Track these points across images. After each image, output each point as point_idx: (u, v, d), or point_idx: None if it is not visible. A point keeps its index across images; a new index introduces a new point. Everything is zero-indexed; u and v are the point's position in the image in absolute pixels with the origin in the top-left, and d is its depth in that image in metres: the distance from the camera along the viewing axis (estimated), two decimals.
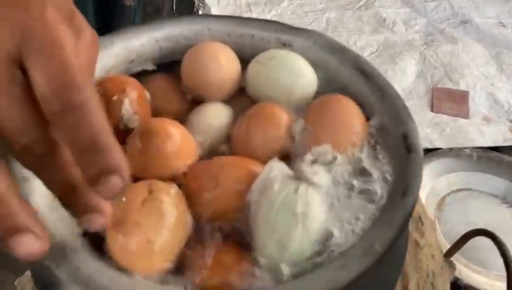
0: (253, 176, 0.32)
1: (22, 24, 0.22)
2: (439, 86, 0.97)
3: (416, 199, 0.31)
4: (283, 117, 0.37)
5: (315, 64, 0.40)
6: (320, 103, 0.38)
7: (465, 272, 0.66)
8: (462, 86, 0.96)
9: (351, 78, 0.40)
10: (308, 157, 0.34)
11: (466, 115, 0.91)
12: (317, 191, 0.32)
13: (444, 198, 0.80)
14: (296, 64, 0.39)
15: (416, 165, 0.33)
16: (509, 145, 0.85)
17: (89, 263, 0.28)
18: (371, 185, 0.34)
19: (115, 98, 0.36)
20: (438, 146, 0.84)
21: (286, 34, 0.42)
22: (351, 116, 0.37)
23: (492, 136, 0.86)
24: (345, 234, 0.31)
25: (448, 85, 0.97)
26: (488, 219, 0.76)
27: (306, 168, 0.33)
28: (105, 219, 0.24)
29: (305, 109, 0.38)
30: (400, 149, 0.34)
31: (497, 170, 0.81)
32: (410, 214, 0.30)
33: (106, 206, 0.24)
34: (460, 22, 1.10)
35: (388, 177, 0.33)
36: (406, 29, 1.11)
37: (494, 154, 0.83)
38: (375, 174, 0.34)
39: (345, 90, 0.39)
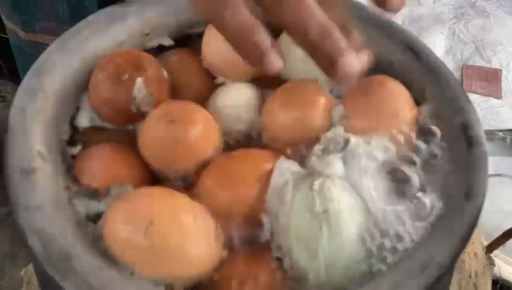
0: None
1: None
2: (470, 63, 0.91)
3: (482, 202, 0.26)
4: (320, 99, 0.32)
5: None
6: (362, 85, 0.33)
7: (505, 269, 0.61)
8: (495, 64, 0.90)
9: (397, 56, 0.34)
10: (318, 147, 0.29)
11: (498, 95, 0.86)
12: (339, 184, 0.28)
13: None
14: None
15: (480, 161, 0.28)
16: None
17: (98, 274, 0.24)
18: (423, 183, 0.29)
19: (125, 76, 0.31)
20: None
21: None
22: (398, 102, 0.32)
23: None
24: (396, 239, 0.27)
25: (480, 63, 0.90)
26: None
27: (316, 160, 0.29)
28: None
29: (345, 91, 0.33)
30: (458, 142, 0.29)
31: None
32: (475, 221, 0.26)
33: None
34: None
35: (445, 176, 0.28)
36: (434, 2, 1.04)
37: None
38: (429, 170, 0.29)
39: (390, 70, 0.34)
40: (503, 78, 0.88)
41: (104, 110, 0.32)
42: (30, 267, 0.44)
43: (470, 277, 0.42)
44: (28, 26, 0.55)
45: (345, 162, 0.29)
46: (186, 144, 0.30)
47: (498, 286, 0.58)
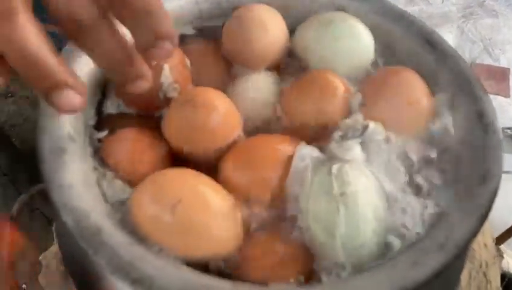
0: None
1: None
2: (478, 62, 0.91)
3: (497, 186, 0.27)
4: (339, 87, 0.33)
5: (372, 31, 0.36)
6: (381, 76, 0.34)
7: None
8: (503, 63, 0.91)
9: (413, 48, 0.35)
10: (337, 133, 0.30)
11: (506, 93, 0.86)
12: (357, 168, 0.29)
13: None
14: (356, 29, 0.35)
15: (495, 148, 0.29)
16: None
17: (129, 248, 0.25)
18: (440, 169, 0.30)
19: (153, 63, 0.32)
20: None
21: None
22: (415, 91, 0.33)
23: None
24: (412, 222, 0.28)
25: (488, 61, 0.91)
26: None
27: (335, 146, 0.30)
28: (150, 83, 0.26)
29: (362, 80, 0.34)
30: (474, 129, 0.30)
31: None
32: (491, 204, 0.27)
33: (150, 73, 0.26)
34: None
35: (461, 161, 0.29)
36: (442, 1, 1.05)
37: None
38: (445, 157, 0.30)
39: (406, 61, 0.35)
40: (511, 77, 0.89)
41: (131, 97, 0.33)
42: (48, 252, 0.45)
43: (480, 266, 0.43)
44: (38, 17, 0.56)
45: (363, 147, 0.30)
46: (208, 128, 0.31)
47: (506, 279, 0.59)
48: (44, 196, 0.30)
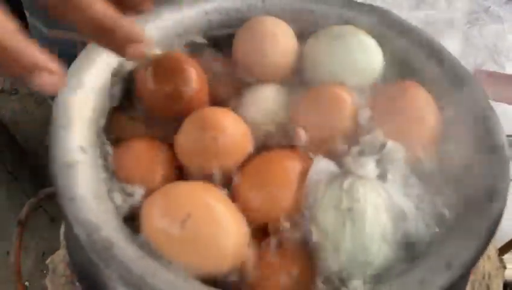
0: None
1: None
2: (483, 68, 0.92)
3: (504, 204, 0.28)
4: (348, 100, 0.33)
5: (380, 44, 0.36)
6: (389, 90, 0.34)
7: None
8: (508, 70, 0.91)
9: (421, 62, 0.36)
10: (355, 149, 0.31)
11: (511, 101, 0.86)
12: (369, 185, 0.29)
13: None
14: (365, 43, 0.35)
15: (502, 165, 0.29)
16: None
17: (140, 263, 0.25)
18: (445, 185, 0.30)
19: (175, 73, 0.33)
20: None
21: (350, 9, 0.38)
22: (424, 110, 0.33)
23: None
24: (418, 237, 0.28)
25: (493, 68, 0.91)
26: None
27: (351, 161, 0.30)
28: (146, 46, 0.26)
29: (371, 95, 0.34)
30: (482, 148, 0.30)
31: None
32: (497, 223, 0.27)
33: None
34: (507, 0, 1.04)
35: (469, 179, 0.29)
36: (448, 7, 1.05)
37: None
38: (453, 175, 0.30)
39: (413, 75, 0.35)
40: None
41: (152, 102, 0.33)
42: (55, 255, 0.45)
43: (484, 278, 0.43)
44: (51, 22, 0.56)
45: (379, 164, 0.30)
46: (217, 149, 0.31)
47: (508, 289, 0.60)
48: (52, 198, 0.31)
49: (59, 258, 0.44)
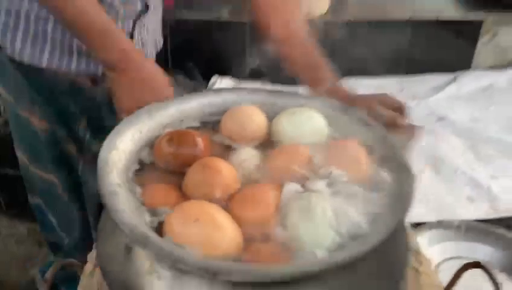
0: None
1: None
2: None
3: (409, 204, 0.41)
4: (304, 153, 0.48)
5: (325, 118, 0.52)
6: (333, 145, 0.49)
7: None
8: (444, 172, 1.05)
9: (356, 128, 0.51)
10: (313, 176, 0.46)
11: None
12: (320, 196, 0.42)
13: (437, 265, 0.87)
14: (313, 116, 0.52)
15: (409, 186, 0.43)
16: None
17: (167, 245, 0.37)
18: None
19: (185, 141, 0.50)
20: (427, 220, 0.92)
21: (303, 98, 0.55)
22: (358, 156, 0.48)
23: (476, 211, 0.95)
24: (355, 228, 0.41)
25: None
26: None
27: (309, 183, 0.45)
28: None
29: (320, 147, 0.49)
30: (398, 172, 0.45)
31: (485, 239, 0.90)
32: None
33: None
34: (437, 119, 1.23)
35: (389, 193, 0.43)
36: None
37: (481, 225, 0.91)
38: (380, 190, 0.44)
39: (351, 136, 0.51)
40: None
41: (166, 160, 0.48)
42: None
43: None
44: None
45: (328, 184, 0.44)
46: (214, 184, 0.45)
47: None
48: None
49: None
